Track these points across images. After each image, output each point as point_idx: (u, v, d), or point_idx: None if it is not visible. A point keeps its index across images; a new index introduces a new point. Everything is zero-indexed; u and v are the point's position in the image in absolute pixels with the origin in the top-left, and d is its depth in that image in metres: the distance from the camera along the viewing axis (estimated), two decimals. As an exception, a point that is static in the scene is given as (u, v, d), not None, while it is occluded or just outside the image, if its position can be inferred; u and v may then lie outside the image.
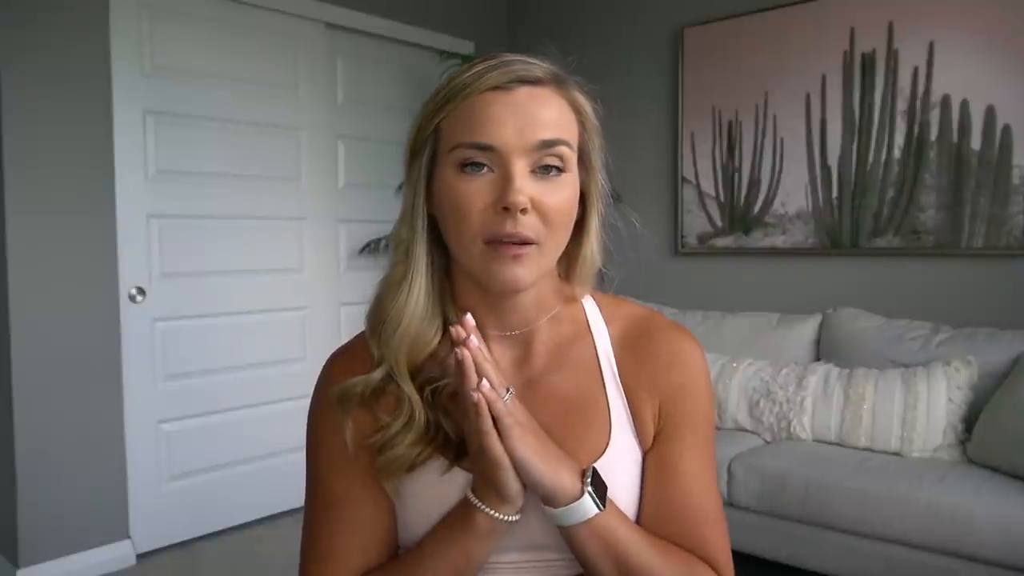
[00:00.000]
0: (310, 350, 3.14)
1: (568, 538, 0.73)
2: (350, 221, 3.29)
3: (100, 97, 2.52)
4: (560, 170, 0.73)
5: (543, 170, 0.72)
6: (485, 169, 0.71)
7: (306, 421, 0.84)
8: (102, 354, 2.56)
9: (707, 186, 3.25)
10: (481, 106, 0.71)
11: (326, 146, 3.19)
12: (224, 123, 2.87)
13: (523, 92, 0.72)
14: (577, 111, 0.76)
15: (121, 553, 2.61)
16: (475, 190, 0.71)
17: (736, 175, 3.17)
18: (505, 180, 0.70)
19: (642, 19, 3.43)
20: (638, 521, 0.79)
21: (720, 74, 3.17)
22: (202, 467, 2.85)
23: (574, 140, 0.75)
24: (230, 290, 2.91)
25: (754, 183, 3.12)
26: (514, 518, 0.72)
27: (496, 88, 0.71)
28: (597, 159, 0.79)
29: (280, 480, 3.00)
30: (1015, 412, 2.14)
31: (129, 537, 2.65)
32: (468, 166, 0.71)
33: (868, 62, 2.81)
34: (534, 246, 0.72)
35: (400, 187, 3.31)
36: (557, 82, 0.75)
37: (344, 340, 0.88)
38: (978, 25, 2.58)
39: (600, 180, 0.79)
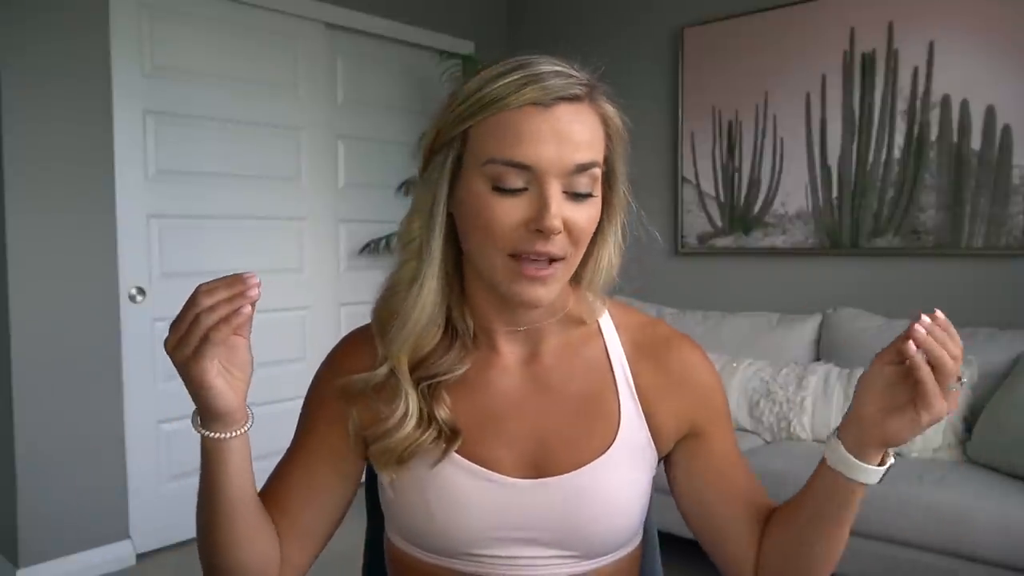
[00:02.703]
0: (310, 350, 3.14)
1: (848, 500, 0.74)
2: (350, 221, 3.29)
3: (100, 97, 2.52)
4: (590, 193, 0.73)
5: (575, 196, 0.72)
6: (520, 185, 0.71)
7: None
8: (102, 354, 2.56)
9: (707, 186, 3.25)
10: (519, 121, 0.70)
11: (326, 146, 3.19)
12: (224, 123, 2.87)
13: (562, 110, 0.70)
14: (605, 123, 0.75)
15: (121, 553, 2.61)
16: (508, 208, 0.71)
17: (736, 175, 3.17)
18: (541, 202, 0.70)
19: (642, 19, 3.43)
20: (689, 509, 0.86)
21: (720, 74, 3.17)
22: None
23: (602, 156, 0.75)
24: (230, 290, 2.91)
25: (754, 183, 3.12)
26: (224, 435, 0.71)
27: (536, 104, 0.70)
28: (621, 169, 0.79)
29: (280, 480, 3.00)
30: (1015, 412, 2.14)
31: (129, 537, 2.65)
32: (503, 180, 0.70)
33: (868, 62, 2.81)
34: (561, 262, 0.73)
35: (401, 187, 3.29)
36: (590, 95, 0.74)
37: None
38: (978, 25, 2.58)
39: (623, 191, 0.80)
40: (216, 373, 0.67)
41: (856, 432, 0.72)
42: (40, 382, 2.43)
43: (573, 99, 0.71)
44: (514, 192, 0.70)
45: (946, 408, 0.67)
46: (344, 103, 3.26)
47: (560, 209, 0.70)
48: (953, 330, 0.67)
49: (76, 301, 2.49)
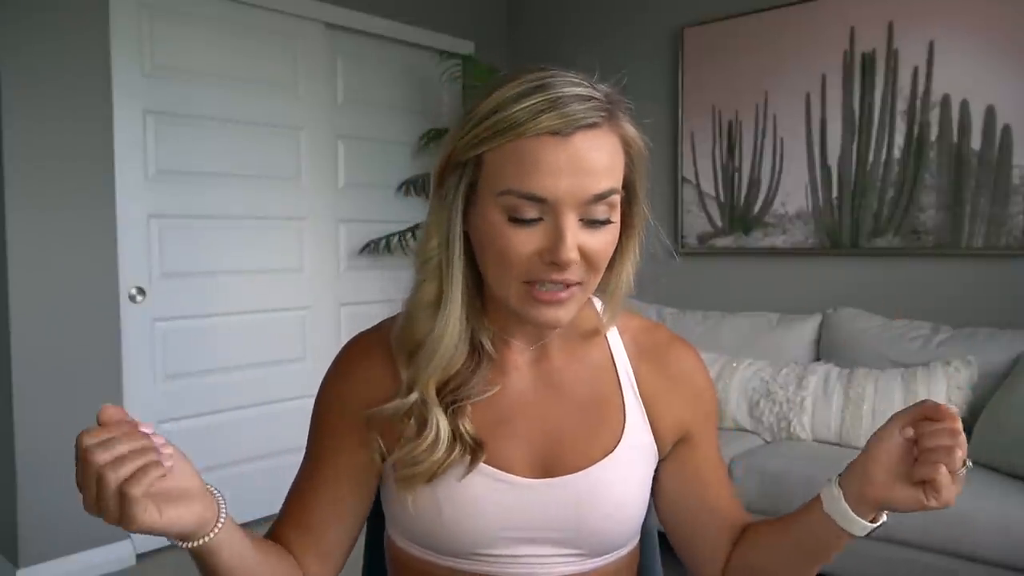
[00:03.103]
0: (310, 350, 3.14)
1: (834, 544, 0.76)
2: (350, 221, 3.29)
3: (100, 96, 2.52)
4: (609, 220, 0.72)
5: (592, 223, 0.71)
6: (535, 219, 0.69)
7: (317, 391, 0.86)
8: (102, 354, 2.56)
9: (707, 186, 3.25)
10: (535, 151, 0.68)
11: (326, 146, 3.19)
12: (224, 123, 2.87)
13: (579, 139, 0.68)
14: (626, 144, 0.74)
15: (121, 553, 2.61)
16: (524, 239, 0.70)
17: (736, 175, 3.17)
18: (556, 234, 0.69)
19: (642, 19, 3.43)
20: (678, 513, 0.87)
21: (720, 74, 3.17)
22: (202, 467, 2.78)
23: (621, 180, 0.73)
24: (230, 290, 2.91)
25: (754, 183, 3.12)
26: (202, 540, 0.67)
27: (553, 133, 0.67)
28: (642, 189, 0.77)
29: (280, 480, 2.97)
30: (1015, 412, 2.14)
31: (129, 537, 2.65)
32: (518, 210, 0.69)
33: (868, 62, 2.81)
34: (578, 286, 0.72)
35: (401, 187, 3.30)
36: (609, 116, 0.71)
37: (344, 340, 0.88)
38: (978, 25, 2.58)
39: (643, 209, 0.78)
40: (157, 514, 0.60)
41: (859, 487, 0.72)
42: (40, 382, 2.43)
43: (592, 126, 0.69)
44: (529, 222, 0.69)
45: (954, 495, 0.67)
46: (344, 103, 3.26)
47: (576, 240, 0.69)
48: (957, 417, 0.68)
49: (76, 301, 2.49)
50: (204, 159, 2.82)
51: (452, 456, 0.76)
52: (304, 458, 0.86)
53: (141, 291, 2.66)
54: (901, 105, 2.75)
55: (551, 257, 0.69)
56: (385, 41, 3.38)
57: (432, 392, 0.76)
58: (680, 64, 3.28)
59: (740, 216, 3.17)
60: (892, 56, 2.76)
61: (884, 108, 2.79)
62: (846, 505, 0.72)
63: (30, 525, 2.42)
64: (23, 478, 2.40)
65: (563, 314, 0.73)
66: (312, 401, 0.87)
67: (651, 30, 3.40)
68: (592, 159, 0.69)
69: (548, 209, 0.69)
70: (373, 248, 3.27)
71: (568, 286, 0.71)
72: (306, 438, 0.86)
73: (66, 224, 2.46)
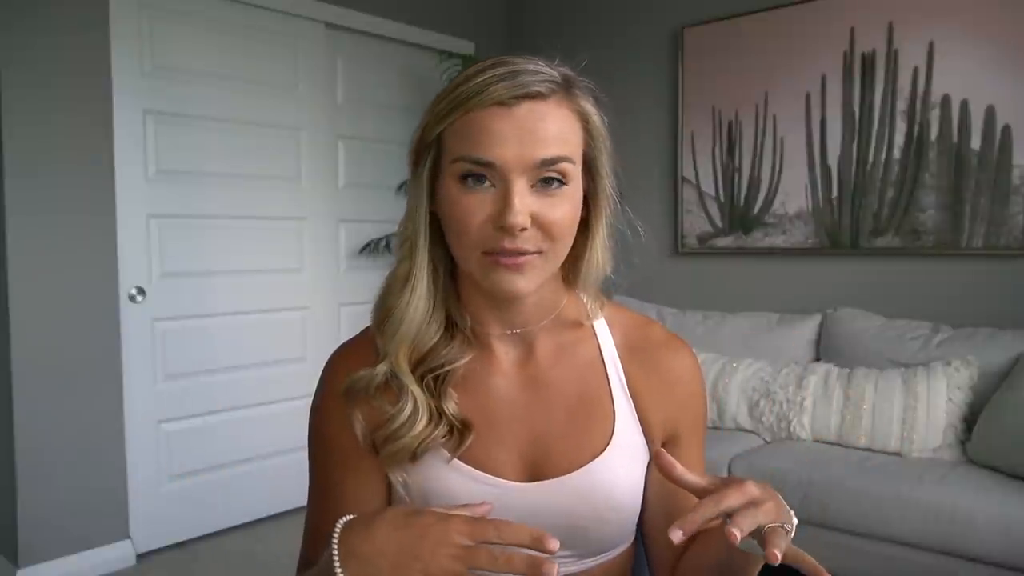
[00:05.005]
0: (310, 350, 3.14)
1: (745, 567, 0.72)
2: (350, 221, 3.29)
3: (100, 97, 2.52)
4: (561, 183, 0.72)
5: (544, 183, 0.71)
6: (486, 183, 0.71)
7: (309, 416, 0.85)
8: (102, 354, 2.56)
9: (707, 186, 3.25)
10: (483, 121, 0.70)
11: (326, 146, 3.19)
12: (224, 123, 2.87)
13: (526, 108, 0.71)
14: (583, 119, 0.75)
15: (121, 553, 2.61)
16: (475, 204, 0.71)
17: (736, 175, 3.17)
18: (504, 199, 0.70)
19: (642, 19, 3.43)
20: (650, 515, 0.85)
21: (720, 74, 3.17)
22: (202, 467, 2.85)
23: (577, 152, 0.74)
24: (230, 290, 2.91)
25: (754, 183, 3.12)
26: None
27: (500, 103, 0.70)
28: (604, 165, 0.78)
29: (280, 480, 3.00)
30: (1015, 412, 2.14)
31: (129, 537, 2.65)
32: (469, 178, 0.71)
33: (868, 62, 2.81)
34: (537, 254, 0.73)
35: (401, 186, 3.30)
36: (564, 90, 0.73)
37: (343, 340, 0.88)
38: (978, 25, 2.58)
39: (607, 186, 0.79)
40: None
41: None
42: (40, 382, 2.43)
43: (538, 96, 0.71)
44: (480, 189, 0.71)
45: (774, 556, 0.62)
46: (344, 103, 3.26)
47: (525, 205, 0.70)
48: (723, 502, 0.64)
49: (76, 301, 2.49)
50: (204, 159, 2.82)
51: (436, 432, 0.76)
52: (313, 495, 0.84)
53: (141, 291, 2.66)
54: (901, 105, 2.75)
55: (500, 221, 0.70)
56: (385, 41, 3.38)
57: (403, 363, 0.78)
58: (680, 64, 3.28)
59: (740, 216, 3.17)
60: (892, 56, 2.76)
61: (884, 108, 2.79)
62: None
63: (30, 525, 2.42)
64: (23, 478, 2.40)
65: (523, 283, 0.73)
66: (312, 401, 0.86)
67: (651, 30, 3.40)
68: (539, 128, 0.70)
69: (496, 175, 0.71)
70: (373, 248, 3.27)
71: (525, 253, 0.72)
72: (308, 472, 0.84)
73: (66, 224, 2.46)
